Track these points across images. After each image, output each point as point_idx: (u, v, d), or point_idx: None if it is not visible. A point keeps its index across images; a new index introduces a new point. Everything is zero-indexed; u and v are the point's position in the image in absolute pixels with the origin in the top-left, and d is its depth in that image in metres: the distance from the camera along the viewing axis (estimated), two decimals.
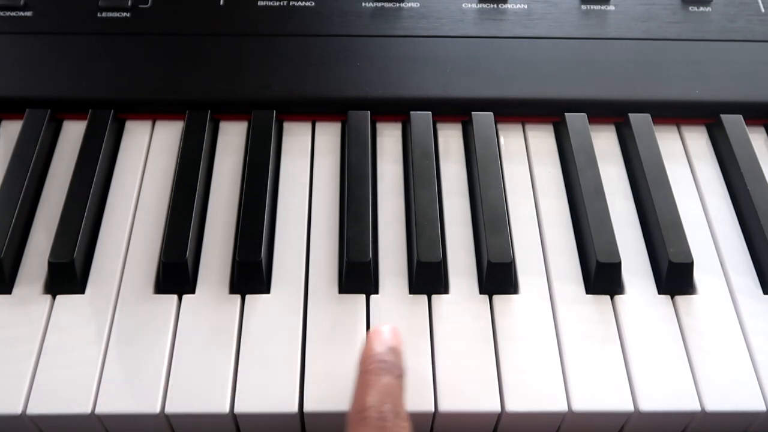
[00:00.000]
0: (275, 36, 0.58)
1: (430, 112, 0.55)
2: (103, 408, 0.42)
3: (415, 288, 0.47)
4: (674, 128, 0.57)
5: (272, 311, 0.46)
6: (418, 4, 0.60)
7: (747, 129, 0.55)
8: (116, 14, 0.59)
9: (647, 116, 0.55)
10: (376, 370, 0.40)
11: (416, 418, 0.42)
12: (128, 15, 0.59)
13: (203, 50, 0.57)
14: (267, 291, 0.47)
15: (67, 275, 0.46)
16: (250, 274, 0.47)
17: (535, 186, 0.53)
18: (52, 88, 0.55)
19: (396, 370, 0.41)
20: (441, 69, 0.56)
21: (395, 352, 0.42)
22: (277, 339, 0.45)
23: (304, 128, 0.56)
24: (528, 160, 0.55)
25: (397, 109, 0.55)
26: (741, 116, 0.55)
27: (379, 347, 0.41)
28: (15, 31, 0.58)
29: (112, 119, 0.54)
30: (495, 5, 0.60)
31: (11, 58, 0.57)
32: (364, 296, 0.47)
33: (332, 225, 0.50)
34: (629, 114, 0.55)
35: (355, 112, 0.55)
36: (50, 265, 0.47)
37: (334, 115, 0.56)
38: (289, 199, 0.52)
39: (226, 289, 0.47)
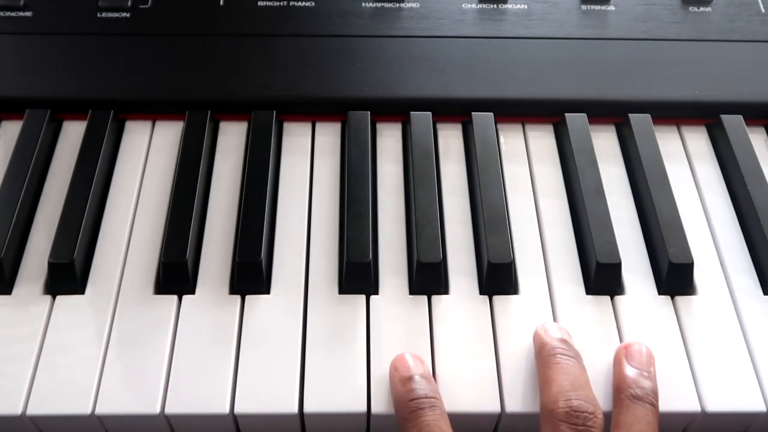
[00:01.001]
0: (275, 36, 0.58)
1: (430, 112, 0.55)
2: (103, 408, 0.42)
3: (415, 288, 0.47)
4: (674, 128, 0.57)
5: (272, 311, 0.46)
6: (418, 4, 0.60)
7: (747, 129, 0.55)
8: (116, 14, 0.59)
9: (647, 116, 0.55)
10: (557, 357, 0.42)
11: None
12: (128, 15, 0.59)
13: (203, 50, 0.57)
14: (267, 291, 0.47)
15: (67, 275, 0.46)
16: (250, 275, 0.47)
17: (535, 186, 0.53)
18: (52, 88, 0.55)
19: (574, 353, 0.43)
20: (441, 69, 0.56)
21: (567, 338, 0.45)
22: (277, 339, 0.45)
23: (304, 128, 0.56)
24: (528, 160, 0.54)
25: (397, 109, 0.55)
26: (741, 116, 0.55)
27: (555, 333, 0.44)
28: (15, 31, 0.58)
29: (112, 119, 0.54)
30: (495, 5, 0.60)
31: (11, 58, 0.57)
32: (364, 296, 0.47)
33: (332, 225, 0.50)
34: (629, 114, 0.55)
35: (355, 112, 0.55)
36: (50, 265, 0.47)
37: (334, 115, 0.56)
38: (289, 199, 0.52)
39: (226, 289, 0.47)
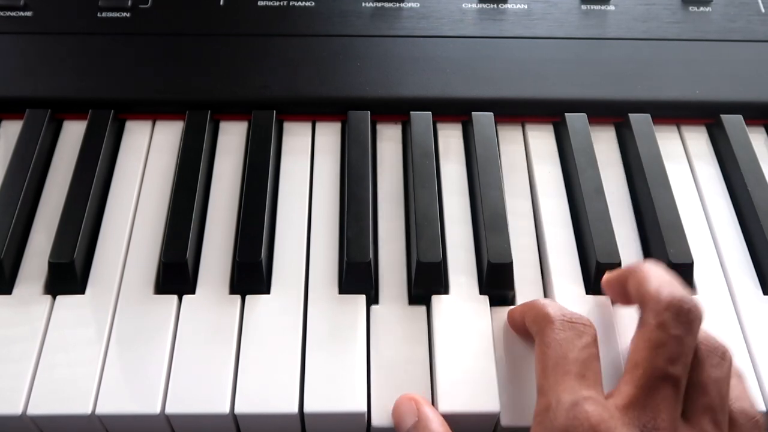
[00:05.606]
0: (275, 36, 0.58)
1: (430, 112, 0.55)
2: (103, 408, 0.42)
3: (415, 288, 0.47)
4: (674, 128, 0.57)
5: (272, 311, 0.46)
6: (418, 4, 0.60)
7: (747, 129, 0.55)
8: (116, 14, 0.59)
9: (647, 116, 0.55)
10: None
11: None
12: (128, 15, 0.59)
13: (203, 50, 0.57)
14: (267, 291, 0.47)
15: (67, 275, 0.46)
16: (250, 275, 0.47)
17: (535, 186, 0.53)
18: (52, 88, 0.55)
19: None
20: (441, 69, 0.56)
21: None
22: (277, 339, 0.45)
23: (304, 128, 0.56)
24: (528, 160, 0.55)
25: (397, 109, 0.55)
26: (741, 116, 0.55)
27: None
28: (15, 31, 0.58)
29: (112, 119, 0.54)
30: (495, 5, 0.60)
31: (11, 58, 0.57)
32: (364, 296, 0.47)
33: (332, 225, 0.50)
34: (629, 114, 0.55)
35: (355, 112, 0.55)
36: (50, 265, 0.47)
37: (334, 115, 0.56)
38: (289, 199, 0.52)
39: (226, 289, 0.47)
